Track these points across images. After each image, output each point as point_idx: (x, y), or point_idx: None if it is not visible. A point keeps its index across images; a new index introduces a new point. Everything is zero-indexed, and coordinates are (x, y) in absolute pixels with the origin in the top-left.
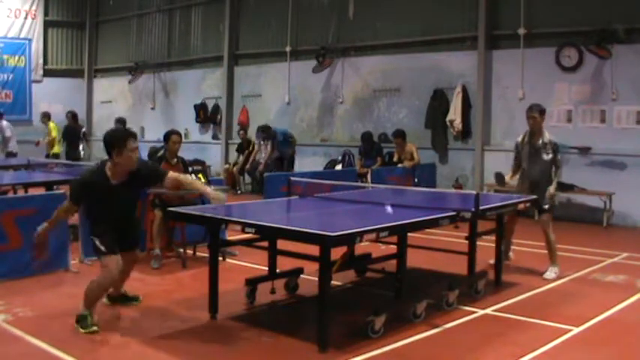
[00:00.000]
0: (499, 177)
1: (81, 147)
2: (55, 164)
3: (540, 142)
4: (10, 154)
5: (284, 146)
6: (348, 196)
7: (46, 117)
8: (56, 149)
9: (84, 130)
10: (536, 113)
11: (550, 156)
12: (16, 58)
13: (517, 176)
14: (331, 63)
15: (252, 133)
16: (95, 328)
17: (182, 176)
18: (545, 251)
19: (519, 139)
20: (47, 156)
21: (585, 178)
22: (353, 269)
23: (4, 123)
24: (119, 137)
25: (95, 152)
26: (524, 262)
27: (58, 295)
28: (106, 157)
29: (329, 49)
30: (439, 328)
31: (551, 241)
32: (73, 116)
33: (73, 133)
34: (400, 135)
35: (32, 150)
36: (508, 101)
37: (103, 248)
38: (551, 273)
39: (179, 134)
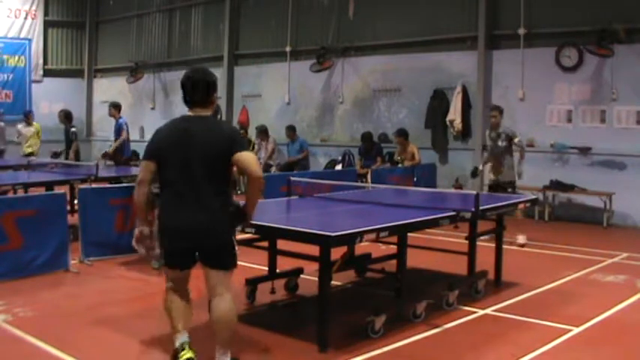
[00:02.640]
0: (473, 171)
1: (73, 148)
2: (55, 164)
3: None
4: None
5: (294, 151)
6: (348, 196)
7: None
8: (25, 149)
9: (73, 130)
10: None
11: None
12: (16, 58)
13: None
14: (331, 63)
15: (252, 133)
16: None
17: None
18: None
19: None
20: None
21: (585, 178)
22: (353, 269)
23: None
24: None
25: (95, 152)
26: (524, 262)
27: (58, 295)
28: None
29: (329, 49)
30: (439, 328)
31: None
32: (65, 115)
33: (64, 133)
34: (403, 134)
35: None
36: (508, 101)
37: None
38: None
39: None
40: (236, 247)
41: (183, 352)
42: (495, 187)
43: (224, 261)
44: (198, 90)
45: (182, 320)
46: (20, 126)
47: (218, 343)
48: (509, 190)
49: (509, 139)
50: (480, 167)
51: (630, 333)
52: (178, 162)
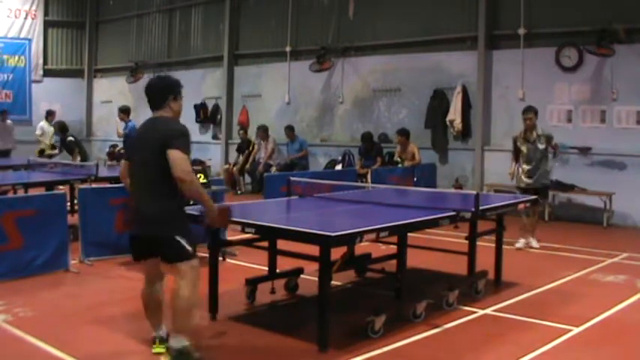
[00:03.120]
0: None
1: (75, 155)
2: (55, 164)
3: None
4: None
5: (293, 151)
6: (348, 196)
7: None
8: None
9: (71, 138)
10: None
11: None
12: (16, 58)
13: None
14: (331, 63)
15: (252, 133)
16: None
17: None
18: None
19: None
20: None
21: (585, 178)
22: (353, 269)
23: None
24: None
25: (96, 152)
26: (524, 262)
27: (58, 295)
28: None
29: (329, 49)
30: (439, 328)
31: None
32: (60, 127)
33: (60, 143)
34: (404, 134)
35: (31, 149)
36: (508, 101)
37: (190, 249)
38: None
39: None
40: (183, 242)
41: (154, 346)
42: (528, 191)
43: (167, 254)
44: (151, 98)
45: (153, 318)
46: (43, 123)
47: (172, 326)
48: (543, 194)
49: (549, 140)
50: (511, 170)
51: (630, 333)
52: (137, 158)
